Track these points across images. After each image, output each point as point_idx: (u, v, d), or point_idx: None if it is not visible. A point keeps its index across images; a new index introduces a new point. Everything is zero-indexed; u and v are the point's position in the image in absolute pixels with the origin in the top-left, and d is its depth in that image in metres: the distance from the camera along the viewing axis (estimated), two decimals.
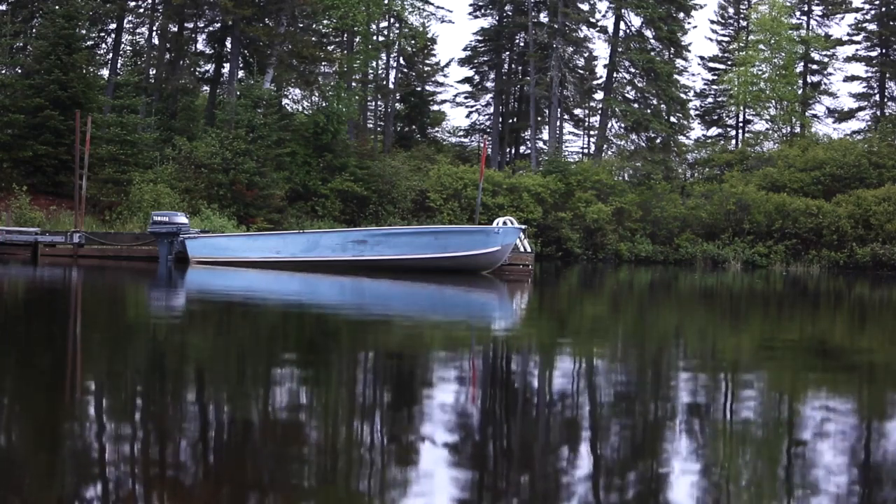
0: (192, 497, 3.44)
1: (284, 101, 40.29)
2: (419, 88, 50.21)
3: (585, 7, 43.91)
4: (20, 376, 5.79)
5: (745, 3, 49.20)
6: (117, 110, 29.70)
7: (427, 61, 50.98)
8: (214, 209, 26.56)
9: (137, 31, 40.81)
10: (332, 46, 39.94)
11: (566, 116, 48.73)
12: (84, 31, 30.58)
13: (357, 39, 39.12)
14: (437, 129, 52.89)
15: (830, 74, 46.94)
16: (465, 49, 48.07)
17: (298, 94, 43.09)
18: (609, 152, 45.06)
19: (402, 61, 48.11)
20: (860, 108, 46.51)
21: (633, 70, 43.66)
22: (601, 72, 47.33)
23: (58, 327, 8.74)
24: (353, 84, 38.71)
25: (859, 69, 46.27)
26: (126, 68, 37.58)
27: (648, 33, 43.50)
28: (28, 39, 33.10)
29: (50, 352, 6.91)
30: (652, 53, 42.82)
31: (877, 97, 46.20)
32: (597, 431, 4.82)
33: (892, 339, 11.06)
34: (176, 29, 36.13)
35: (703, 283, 23.24)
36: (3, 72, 31.30)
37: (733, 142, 48.26)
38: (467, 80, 49.48)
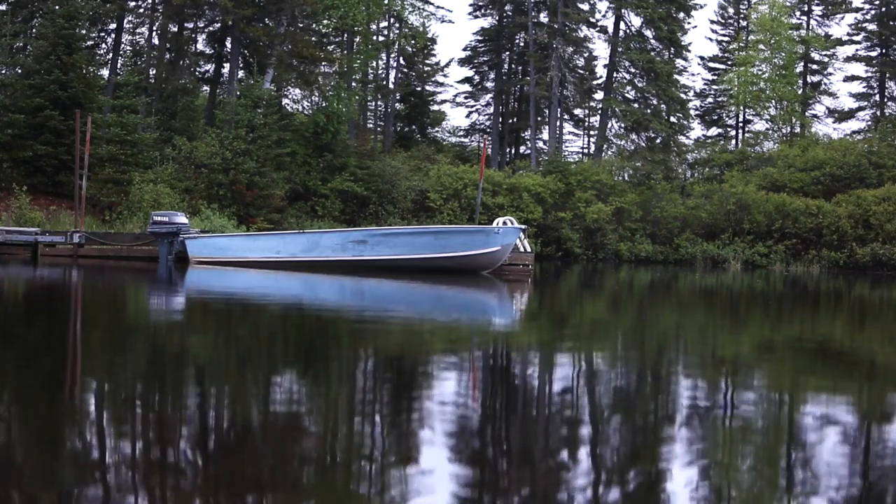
0: (192, 497, 3.44)
1: (284, 101, 40.31)
2: (419, 88, 50.22)
3: (585, 7, 43.91)
4: (20, 377, 5.79)
5: (745, 3, 49.18)
6: (117, 110, 29.69)
7: (427, 61, 50.99)
8: (214, 209, 26.56)
9: (137, 31, 40.89)
10: (332, 46, 39.95)
11: (566, 116, 48.72)
12: (84, 31, 30.55)
13: (357, 39, 39.12)
14: (437, 129, 52.91)
15: (830, 74, 46.97)
16: (465, 49, 48.13)
17: (298, 94, 43.12)
18: (609, 152, 45.06)
19: (402, 61, 48.14)
20: (860, 108, 46.49)
21: (633, 70, 43.64)
22: (601, 72, 47.38)
23: (58, 328, 8.73)
24: (353, 84, 38.71)
25: (859, 69, 46.30)
26: (126, 68, 37.57)
27: (648, 33, 43.49)
28: (28, 39, 33.09)
29: (50, 352, 6.91)
30: (652, 53, 42.81)
31: (877, 97, 46.18)
32: (597, 431, 4.82)
33: (892, 339, 11.06)
34: (176, 29, 36.14)
35: (703, 283, 23.24)
36: (3, 72, 31.29)
37: (733, 142, 48.24)
38: (467, 80, 49.50)
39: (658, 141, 43.55)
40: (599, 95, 45.96)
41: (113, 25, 36.63)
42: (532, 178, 36.38)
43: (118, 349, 7.41)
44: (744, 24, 48.84)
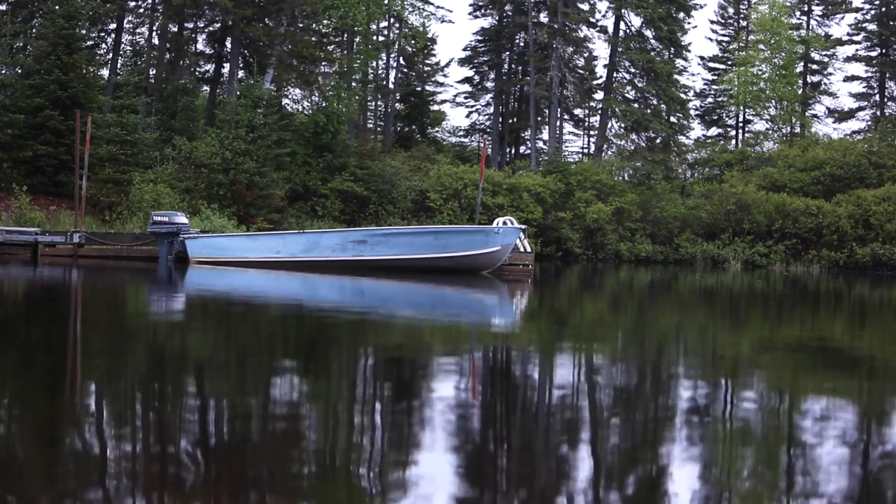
0: (191, 497, 3.44)
1: (284, 101, 40.28)
2: (419, 88, 50.20)
3: (585, 7, 43.89)
4: (20, 377, 5.79)
5: (745, 3, 49.17)
6: (117, 110, 29.68)
7: (427, 61, 50.97)
8: (214, 209, 26.56)
9: (137, 31, 40.86)
10: (332, 46, 39.94)
11: (566, 116, 48.70)
12: (84, 31, 30.54)
13: (357, 39, 39.12)
14: (437, 129, 52.89)
15: (830, 74, 46.94)
16: (465, 49, 48.09)
17: (298, 94, 43.11)
18: (609, 152, 45.04)
19: (402, 61, 48.11)
20: (860, 108, 46.47)
21: (633, 70, 43.62)
22: (601, 72, 47.35)
23: (58, 328, 8.73)
24: (353, 84, 38.70)
25: (859, 69, 46.28)
26: (126, 68, 37.56)
27: (648, 33, 43.47)
28: (28, 39, 33.08)
29: (50, 352, 6.91)
30: (652, 53, 42.78)
31: (877, 97, 46.16)
32: (598, 432, 4.82)
33: (892, 339, 11.06)
34: (176, 29, 36.13)
35: (703, 283, 23.24)
36: (3, 72, 31.29)
37: (733, 142, 48.22)
38: (467, 80, 49.47)
39: (658, 141, 43.53)
40: (599, 95, 45.95)
41: (113, 25, 36.63)
42: (532, 178, 36.38)
43: (118, 349, 7.41)
44: (744, 24, 48.83)
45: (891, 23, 44.39)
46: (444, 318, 11.52)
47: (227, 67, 36.29)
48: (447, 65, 59.46)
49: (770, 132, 45.51)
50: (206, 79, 39.03)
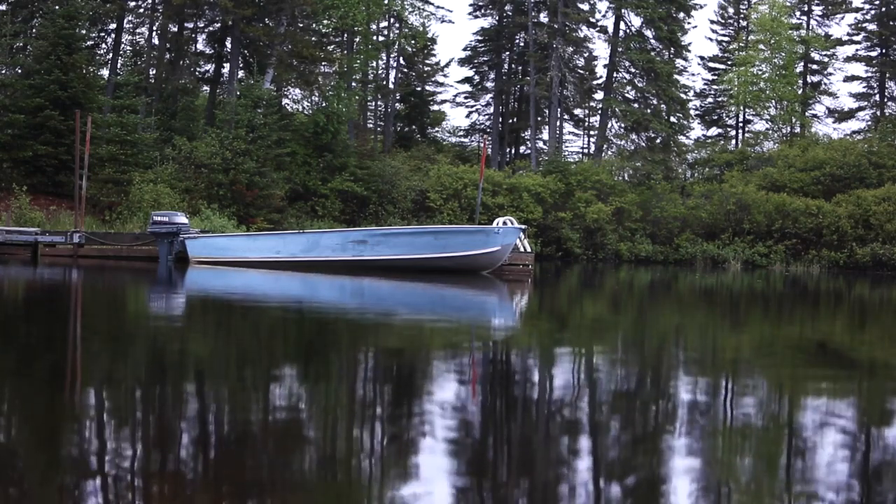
0: (192, 498, 3.44)
1: (284, 101, 40.31)
2: (419, 88, 50.22)
3: (585, 7, 43.90)
4: (20, 377, 5.79)
5: (745, 3, 49.19)
6: (117, 110, 29.68)
7: (427, 61, 50.99)
8: (214, 209, 26.56)
9: (137, 31, 40.90)
10: (332, 46, 39.96)
11: (566, 116, 48.70)
12: (84, 31, 30.55)
13: (357, 39, 39.13)
14: (437, 129, 52.91)
15: (830, 74, 46.96)
16: (465, 49, 48.12)
17: (298, 94, 43.14)
18: (609, 152, 45.05)
19: (402, 61, 48.13)
20: (860, 108, 46.48)
21: (633, 70, 43.63)
22: (601, 72, 47.37)
23: (58, 329, 8.73)
24: (353, 84, 38.71)
25: (859, 69, 46.30)
26: (126, 68, 37.56)
27: (648, 33, 43.48)
28: (28, 39, 33.09)
29: (50, 353, 6.90)
30: (652, 53, 42.79)
31: (877, 97, 46.17)
32: (598, 433, 4.82)
33: (892, 339, 11.06)
34: (176, 29, 36.15)
35: (703, 284, 23.24)
36: (3, 72, 31.29)
37: (733, 142, 48.23)
38: (467, 80, 49.50)
39: (658, 141, 43.54)
40: (599, 95, 45.95)
41: (113, 25, 36.64)
42: (532, 178, 36.38)
43: (118, 350, 7.41)
44: (744, 24, 48.83)
45: (891, 23, 44.39)
46: (444, 319, 11.52)
47: (227, 67, 36.30)
48: (447, 65, 59.52)
49: (770, 132, 45.54)
50: (206, 79, 39.04)
